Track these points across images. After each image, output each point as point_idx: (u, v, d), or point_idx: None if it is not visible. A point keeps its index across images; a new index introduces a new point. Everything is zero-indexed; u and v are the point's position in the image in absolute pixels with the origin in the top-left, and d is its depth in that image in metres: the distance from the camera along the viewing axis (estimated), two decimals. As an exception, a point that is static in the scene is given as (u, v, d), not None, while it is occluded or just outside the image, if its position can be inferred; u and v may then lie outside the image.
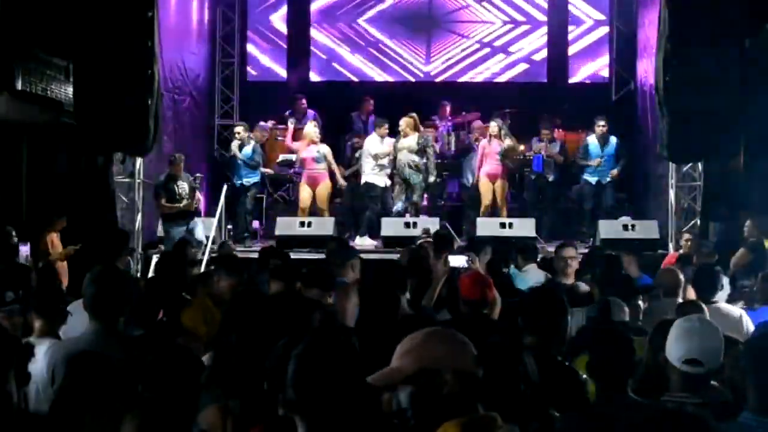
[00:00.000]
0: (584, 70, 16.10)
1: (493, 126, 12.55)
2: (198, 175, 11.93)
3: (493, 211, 12.50)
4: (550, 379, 3.53)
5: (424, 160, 12.24)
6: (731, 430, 3.03)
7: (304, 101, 14.63)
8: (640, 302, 5.17)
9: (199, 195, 11.58)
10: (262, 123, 14.10)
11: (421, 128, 12.65)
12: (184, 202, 11.29)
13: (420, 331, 2.48)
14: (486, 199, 12.47)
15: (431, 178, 12.45)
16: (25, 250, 9.72)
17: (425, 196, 13.07)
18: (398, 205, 12.29)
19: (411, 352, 2.41)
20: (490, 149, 12.41)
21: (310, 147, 12.49)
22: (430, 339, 2.44)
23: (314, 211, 12.50)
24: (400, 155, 12.22)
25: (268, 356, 2.92)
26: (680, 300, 5.90)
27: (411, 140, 12.22)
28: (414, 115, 12.45)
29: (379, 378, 2.42)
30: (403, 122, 12.29)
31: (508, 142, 12.43)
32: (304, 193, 12.52)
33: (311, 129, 12.67)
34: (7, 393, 2.90)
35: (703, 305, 5.52)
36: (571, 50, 16.10)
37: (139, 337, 4.42)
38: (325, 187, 12.51)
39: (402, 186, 12.28)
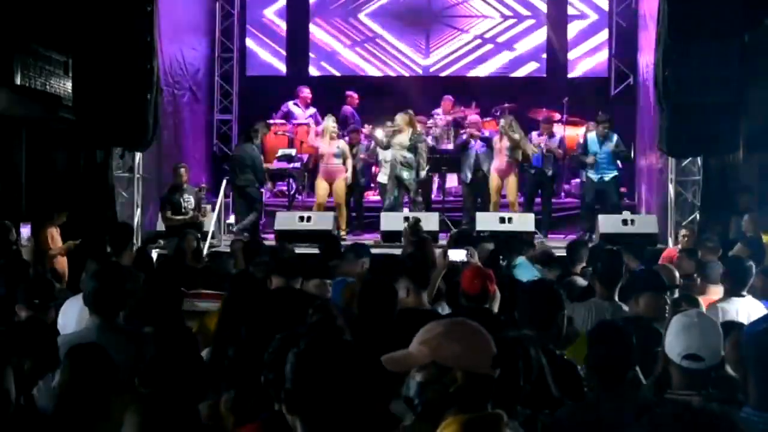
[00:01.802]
0: (583, 65, 16.10)
1: (503, 122, 12.55)
2: (203, 185, 11.79)
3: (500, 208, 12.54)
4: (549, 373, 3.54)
5: (415, 157, 12.28)
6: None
7: (306, 91, 14.69)
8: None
9: (206, 209, 11.43)
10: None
11: (417, 125, 12.65)
12: (190, 214, 11.13)
13: (443, 322, 2.47)
14: (494, 196, 12.52)
15: (422, 174, 12.47)
16: (25, 232, 9.71)
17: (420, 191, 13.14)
18: (390, 201, 12.30)
19: (429, 342, 2.40)
20: (501, 145, 12.44)
21: (330, 142, 12.50)
22: (451, 333, 2.42)
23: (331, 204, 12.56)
24: (392, 151, 12.26)
25: (266, 350, 2.92)
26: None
27: (404, 137, 12.26)
28: (410, 111, 12.47)
29: (392, 360, 2.41)
30: (399, 118, 12.32)
31: (516, 137, 12.44)
32: (321, 188, 12.55)
33: (331, 124, 12.67)
34: (5, 390, 2.90)
35: (700, 299, 5.55)
36: (571, 44, 16.08)
37: (140, 333, 4.41)
38: (342, 182, 12.58)
39: (394, 182, 12.30)
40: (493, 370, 2.41)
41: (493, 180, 12.55)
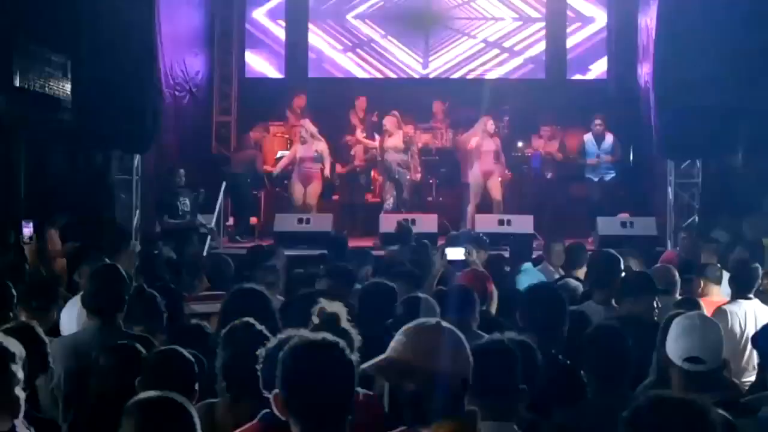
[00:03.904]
0: (583, 67, 16.10)
1: (490, 124, 12.60)
2: (201, 191, 11.74)
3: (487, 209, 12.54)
4: (551, 377, 3.54)
5: (409, 158, 12.32)
6: (749, 425, 3.00)
7: (301, 98, 14.72)
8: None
9: (201, 218, 11.37)
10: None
11: (404, 126, 12.67)
12: (187, 218, 11.05)
13: (423, 328, 2.48)
14: (476, 198, 12.53)
15: (417, 176, 12.49)
16: (28, 232, 9.70)
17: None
18: (389, 203, 12.36)
19: (416, 349, 2.41)
20: (485, 147, 12.47)
21: (306, 145, 12.54)
22: (433, 339, 2.43)
23: (305, 207, 12.57)
24: (386, 155, 12.31)
25: (264, 353, 2.92)
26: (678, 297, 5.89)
27: (396, 139, 12.35)
28: (396, 113, 12.54)
29: (372, 368, 2.44)
30: (387, 121, 12.43)
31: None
32: (298, 191, 12.59)
33: (308, 128, 12.71)
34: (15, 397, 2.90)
35: (700, 301, 5.55)
36: (570, 47, 16.08)
37: (139, 335, 4.41)
38: (316, 186, 12.63)
39: (391, 184, 12.35)
40: (468, 371, 2.45)
41: (475, 180, 12.56)
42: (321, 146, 12.65)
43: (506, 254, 7.90)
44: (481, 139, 12.54)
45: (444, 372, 2.38)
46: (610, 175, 12.46)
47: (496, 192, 12.53)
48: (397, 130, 12.41)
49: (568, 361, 4.04)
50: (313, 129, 12.73)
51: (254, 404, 2.93)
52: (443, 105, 14.68)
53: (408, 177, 12.34)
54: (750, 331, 5.44)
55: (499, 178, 12.60)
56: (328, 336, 2.47)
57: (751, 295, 5.81)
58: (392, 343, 2.47)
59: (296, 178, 12.66)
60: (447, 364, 2.39)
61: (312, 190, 12.58)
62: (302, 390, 2.34)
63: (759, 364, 4.20)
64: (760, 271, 6.01)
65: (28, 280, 6.30)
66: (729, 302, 5.82)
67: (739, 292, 5.83)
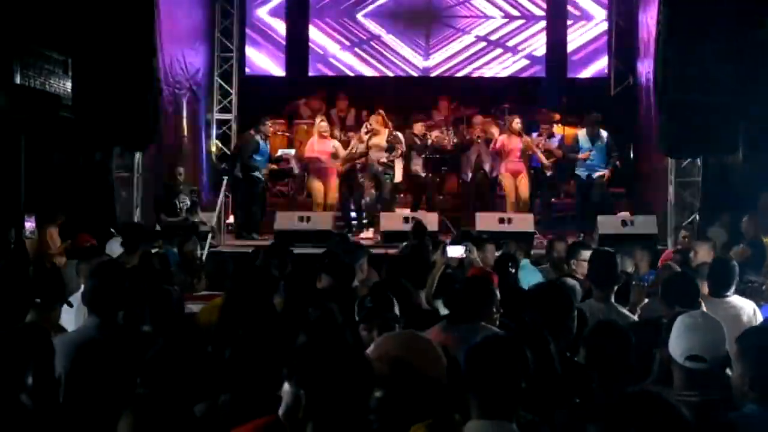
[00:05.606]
0: (583, 65, 16.10)
1: (516, 123, 12.57)
2: (195, 188, 11.73)
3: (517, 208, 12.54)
4: (558, 375, 3.53)
5: (393, 156, 12.35)
6: (735, 422, 3.01)
7: (320, 96, 14.73)
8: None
9: (201, 214, 11.36)
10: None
11: (390, 125, 12.66)
12: (184, 215, 11.04)
13: (395, 336, 2.56)
14: (511, 197, 12.52)
15: (399, 174, 12.49)
16: (30, 226, 9.70)
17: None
18: (366, 200, 12.40)
19: (385, 358, 2.45)
20: (511, 146, 12.45)
21: (324, 142, 12.53)
22: (406, 347, 2.48)
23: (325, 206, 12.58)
24: (369, 153, 12.32)
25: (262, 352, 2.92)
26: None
27: (381, 139, 12.35)
28: (382, 112, 12.54)
29: None
30: (373, 120, 12.45)
31: (526, 138, 12.54)
32: (317, 188, 12.57)
33: (322, 124, 12.71)
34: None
35: (709, 299, 5.51)
36: (570, 45, 16.09)
37: (140, 332, 4.41)
38: (335, 182, 12.61)
39: (371, 182, 12.39)
40: (445, 377, 2.48)
41: (506, 180, 12.55)
42: (337, 144, 12.67)
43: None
44: (508, 138, 12.55)
45: (411, 377, 2.40)
46: (598, 173, 12.35)
47: (523, 190, 12.52)
48: (383, 129, 12.40)
49: (576, 358, 4.04)
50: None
51: (255, 402, 2.93)
52: (449, 102, 14.68)
53: (390, 176, 12.35)
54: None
55: (527, 177, 12.59)
56: (342, 335, 2.49)
57: (729, 293, 5.66)
58: None
59: (314, 176, 12.63)
60: (413, 369, 2.41)
61: (331, 188, 12.58)
62: (320, 390, 2.34)
63: None
64: (737, 269, 5.89)
65: (31, 275, 6.28)
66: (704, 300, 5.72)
67: (715, 290, 5.69)
